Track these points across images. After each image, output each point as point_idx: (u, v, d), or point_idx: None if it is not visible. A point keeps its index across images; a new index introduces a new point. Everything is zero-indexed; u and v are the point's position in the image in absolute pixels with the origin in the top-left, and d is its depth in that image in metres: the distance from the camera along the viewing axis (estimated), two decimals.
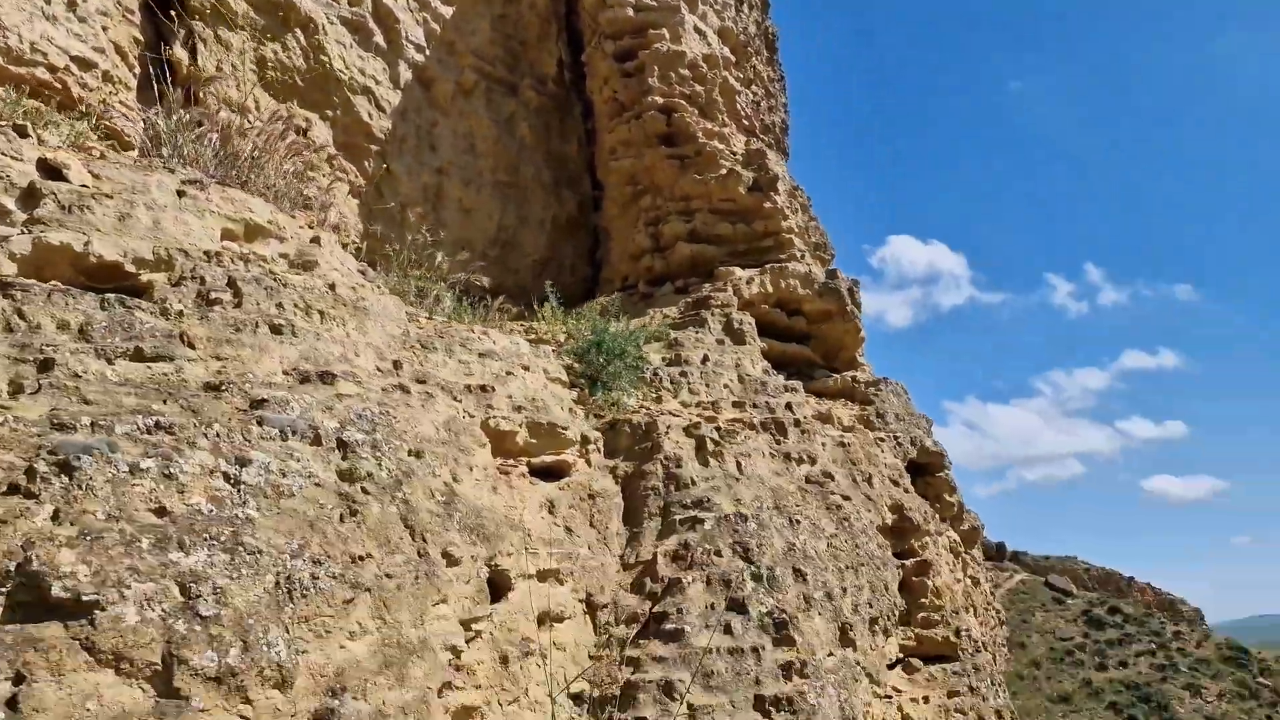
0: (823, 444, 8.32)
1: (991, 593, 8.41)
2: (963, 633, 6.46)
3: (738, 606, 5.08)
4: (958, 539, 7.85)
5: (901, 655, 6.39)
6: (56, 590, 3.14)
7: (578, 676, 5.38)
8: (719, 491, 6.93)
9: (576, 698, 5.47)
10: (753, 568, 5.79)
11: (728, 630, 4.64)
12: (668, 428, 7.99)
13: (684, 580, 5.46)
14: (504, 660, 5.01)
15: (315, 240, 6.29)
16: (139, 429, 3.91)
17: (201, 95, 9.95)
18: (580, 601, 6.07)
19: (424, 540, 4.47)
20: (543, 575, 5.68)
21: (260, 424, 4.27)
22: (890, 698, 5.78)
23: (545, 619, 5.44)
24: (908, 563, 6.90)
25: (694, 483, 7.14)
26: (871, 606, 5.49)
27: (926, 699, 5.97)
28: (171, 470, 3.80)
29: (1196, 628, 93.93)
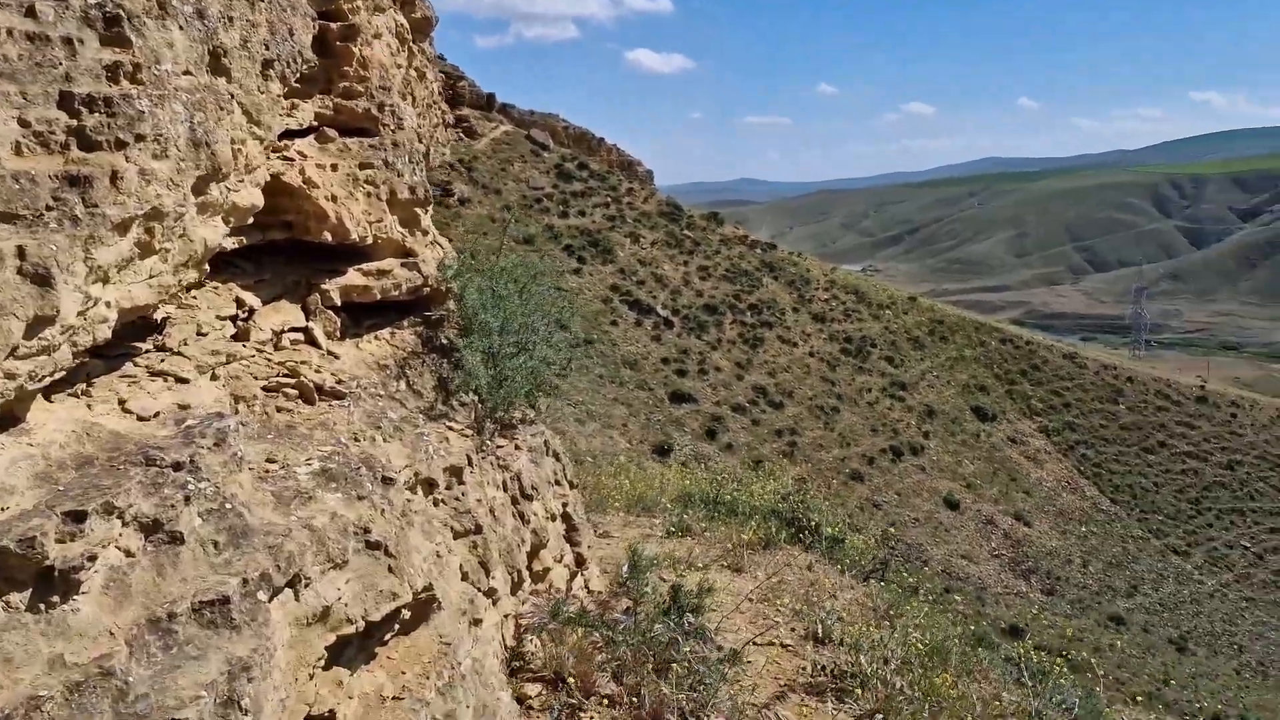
0: None
1: (445, 104, 7.04)
2: (388, 109, 5.05)
3: None
4: (405, 24, 6.30)
5: (317, 124, 4.94)
6: None
7: None
8: None
9: None
10: None
11: (30, 13, 2.89)
12: None
13: None
14: None
15: None
16: None
17: None
18: None
19: None
20: None
21: None
22: (293, 160, 4.45)
23: None
24: (334, 25, 5.25)
25: None
26: (268, 48, 3.85)
27: (335, 166, 4.73)
28: None
29: (646, 187, 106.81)
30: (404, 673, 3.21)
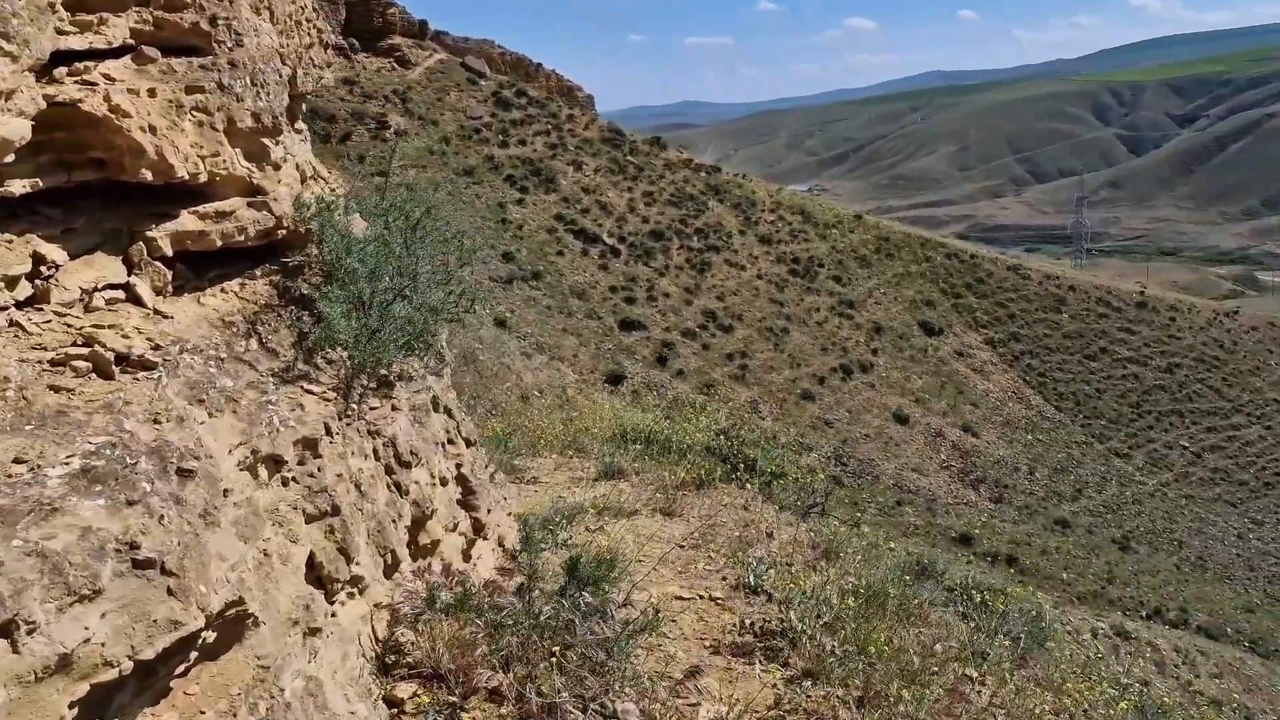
0: None
1: (321, 23, 6.23)
2: (222, 23, 4.28)
3: None
4: None
5: (134, 43, 4.17)
6: None
7: None
8: None
9: None
10: None
11: None
12: None
13: None
14: None
15: None
16: None
17: None
18: None
19: None
20: None
21: None
22: (95, 84, 3.72)
23: None
24: None
25: None
26: None
27: (153, 92, 4.00)
28: None
29: (587, 112, 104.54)
30: (203, 712, 2.65)
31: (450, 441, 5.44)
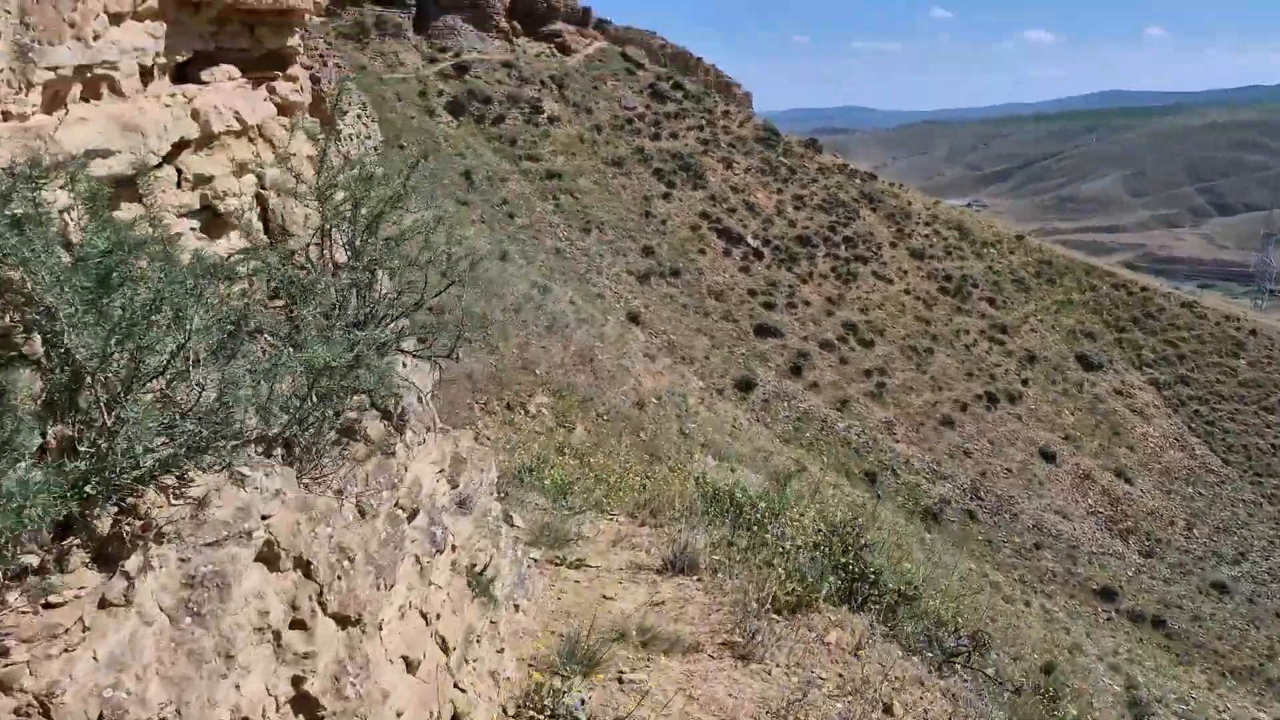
0: None
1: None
2: None
3: None
4: None
5: None
6: None
7: None
8: None
9: None
10: None
11: None
12: None
13: None
14: None
15: None
16: None
17: None
18: None
19: None
20: None
21: None
22: None
23: None
24: None
25: None
26: None
27: None
28: None
29: (743, 110, 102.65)
30: None
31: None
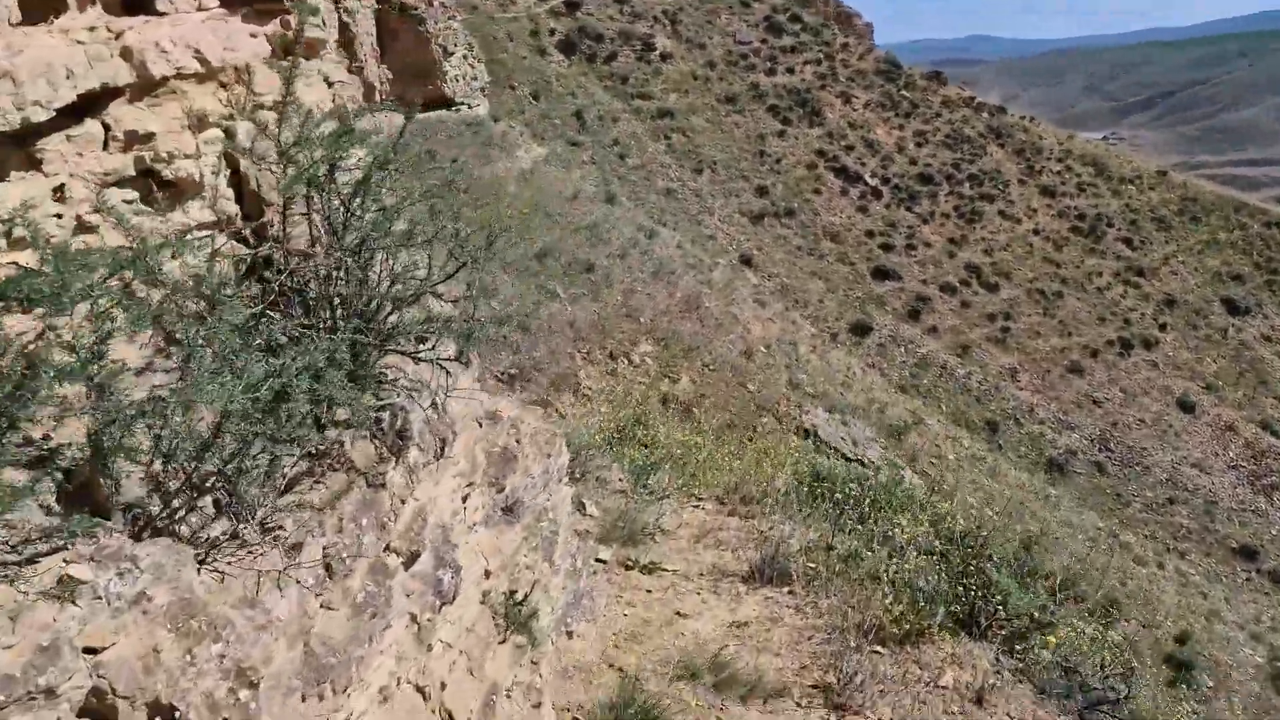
0: None
1: None
2: None
3: None
4: None
5: None
6: None
7: None
8: None
9: None
10: None
11: None
12: None
13: None
14: None
15: None
16: None
17: None
18: None
19: None
20: None
21: None
22: None
23: None
24: None
25: None
26: None
27: None
28: None
29: (864, 42, 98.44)
30: None
31: None
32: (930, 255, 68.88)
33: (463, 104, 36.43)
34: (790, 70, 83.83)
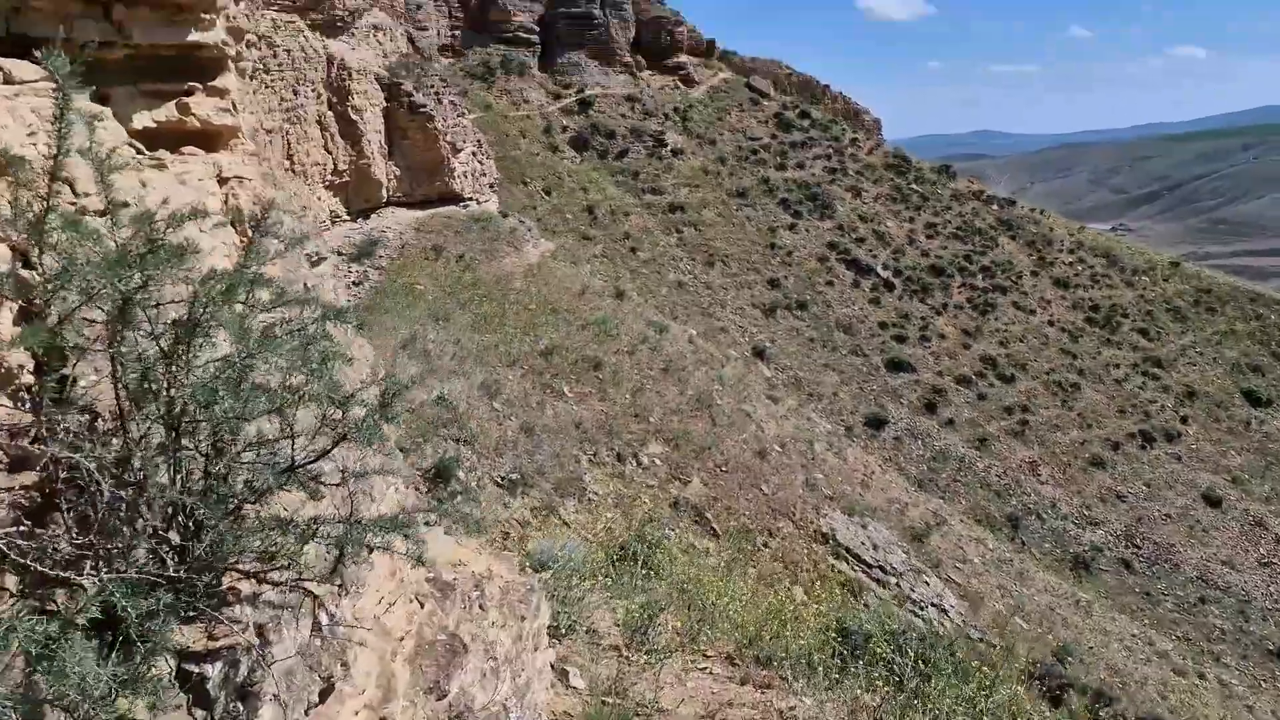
0: None
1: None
2: None
3: None
4: None
5: None
6: None
7: None
8: None
9: None
10: None
11: None
12: None
13: None
14: None
15: None
16: None
17: None
18: None
19: None
20: None
21: None
22: None
23: None
24: None
25: None
26: None
27: None
28: None
29: (872, 137, 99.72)
30: None
31: None
32: (945, 347, 68.20)
33: (471, 199, 36.49)
34: (800, 165, 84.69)
